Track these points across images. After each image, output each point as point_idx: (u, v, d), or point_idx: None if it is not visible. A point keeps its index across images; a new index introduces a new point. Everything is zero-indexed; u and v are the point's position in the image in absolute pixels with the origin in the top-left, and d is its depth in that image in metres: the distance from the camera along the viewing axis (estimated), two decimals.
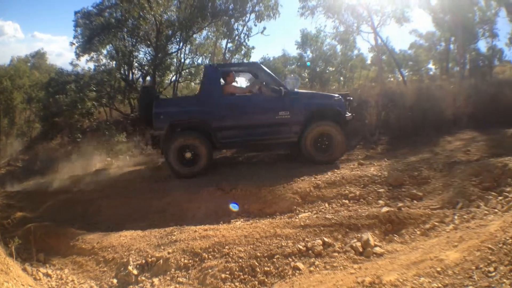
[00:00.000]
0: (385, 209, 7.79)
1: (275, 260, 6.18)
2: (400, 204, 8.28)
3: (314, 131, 11.83)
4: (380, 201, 8.77)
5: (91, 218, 10.15)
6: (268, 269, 6.01)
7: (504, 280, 4.16)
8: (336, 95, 12.56)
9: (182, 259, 6.68)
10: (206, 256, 6.61)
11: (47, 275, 7.11)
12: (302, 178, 10.28)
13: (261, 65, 13.12)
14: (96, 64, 23.66)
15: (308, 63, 37.34)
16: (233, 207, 9.19)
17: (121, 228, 8.66)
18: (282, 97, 11.61)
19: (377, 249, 6.31)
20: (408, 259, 5.49)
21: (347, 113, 12.36)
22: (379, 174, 10.07)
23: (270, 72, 12.54)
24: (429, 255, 5.28)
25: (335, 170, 10.98)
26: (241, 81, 19.94)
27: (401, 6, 28.58)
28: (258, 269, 6.02)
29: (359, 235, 6.71)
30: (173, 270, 6.52)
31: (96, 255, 7.58)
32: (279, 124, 11.74)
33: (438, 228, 6.98)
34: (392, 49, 39.29)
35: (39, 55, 45.56)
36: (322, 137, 12.01)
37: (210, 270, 6.16)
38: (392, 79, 40.77)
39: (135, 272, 6.60)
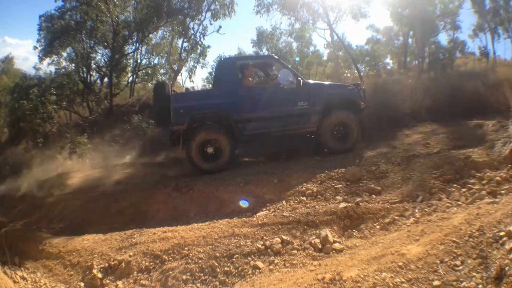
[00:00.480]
0: (342, 204, 7.74)
1: (234, 260, 6.12)
2: (358, 199, 8.21)
3: (331, 121, 11.85)
4: (338, 197, 8.66)
5: (56, 222, 10.01)
6: (228, 269, 5.95)
7: (474, 274, 4.10)
8: (350, 85, 12.90)
9: (143, 262, 6.58)
10: (166, 258, 6.57)
11: (23, 278, 7.00)
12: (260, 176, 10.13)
13: (277, 57, 13.32)
14: (57, 67, 23.60)
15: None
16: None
17: (84, 232, 8.54)
18: (300, 88, 11.59)
19: (337, 245, 6.26)
20: (369, 254, 5.44)
21: (361, 102, 12.46)
22: (336, 169, 9.92)
23: (287, 64, 12.85)
24: (390, 250, 5.23)
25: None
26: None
27: (358, 2, 29.04)
28: (218, 270, 5.96)
29: (317, 232, 6.69)
30: (135, 273, 6.43)
31: (63, 259, 7.43)
32: (298, 114, 11.70)
33: (399, 222, 6.94)
34: (349, 45, 39.77)
35: (8, 60, 45.12)
36: (339, 126, 12.03)
37: (171, 272, 6.10)
38: (348, 74, 41.06)
39: (99, 275, 6.51)
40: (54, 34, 21.13)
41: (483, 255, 4.32)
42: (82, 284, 6.50)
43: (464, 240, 4.66)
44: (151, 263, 6.51)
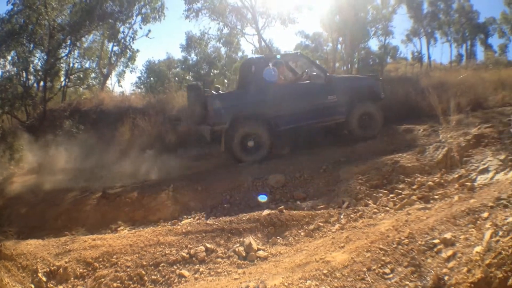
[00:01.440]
0: (266, 211, 7.69)
1: (160, 268, 6.15)
2: (282, 206, 8.11)
3: (358, 111, 12.56)
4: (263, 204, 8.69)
5: (7, 226, 9.66)
6: (155, 277, 5.98)
7: (407, 283, 4.08)
8: (372, 76, 14.22)
9: (78, 269, 6.48)
10: (97, 265, 6.48)
11: None
12: (181, 185, 10.11)
13: (305, 55, 14.25)
14: (2, 70, 22.90)
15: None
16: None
17: (28, 236, 8.41)
18: (328, 83, 12.30)
19: (261, 253, 6.33)
20: (293, 261, 5.41)
21: (381, 92, 13.29)
22: (261, 177, 9.94)
23: (314, 61, 14.16)
24: (315, 257, 5.19)
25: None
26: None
27: (288, 8, 29.45)
28: (146, 278, 5.99)
29: (241, 240, 6.73)
30: (72, 278, 6.34)
31: (15, 261, 7.16)
32: (328, 107, 12.33)
33: (324, 229, 6.95)
34: (277, 50, 39.92)
35: None
36: (364, 116, 12.71)
37: (102, 279, 6.06)
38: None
39: (44, 279, 6.41)
40: (1, 37, 20.73)
41: (415, 263, 4.29)
42: (32, 286, 6.42)
43: (392, 247, 4.63)
44: (85, 270, 6.43)
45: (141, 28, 26.59)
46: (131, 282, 5.91)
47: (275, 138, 12.16)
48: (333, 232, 6.61)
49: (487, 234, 4.21)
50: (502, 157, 8.40)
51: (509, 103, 16.27)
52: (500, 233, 4.10)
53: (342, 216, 7.26)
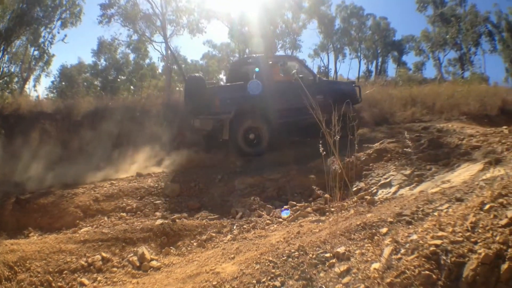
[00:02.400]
0: (159, 221, 7.72)
1: (64, 275, 6.04)
2: (176, 216, 8.18)
3: (339, 112, 12.35)
4: (157, 213, 8.64)
5: None
6: (61, 284, 5.87)
7: None
8: (353, 82, 16.12)
9: (5, 271, 6.19)
10: (17, 269, 6.25)
11: None
12: (82, 190, 9.96)
13: (299, 58, 15.67)
14: None
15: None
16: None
17: None
18: (317, 84, 13.69)
19: (154, 263, 6.31)
20: (184, 272, 5.35)
21: (359, 97, 14.66)
22: (156, 185, 10.05)
23: (306, 64, 15.45)
24: (205, 268, 5.12)
25: (113, 182, 10.76)
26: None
27: (198, 17, 29.96)
28: (53, 284, 5.87)
29: (135, 249, 6.71)
30: (3, 281, 6.07)
31: None
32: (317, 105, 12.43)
33: (216, 239, 6.96)
34: (184, 59, 39.86)
35: None
36: (343, 117, 12.46)
37: (22, 283, 5.89)
38: (181, 89, 41.27)
39: None
40: None
41: (306, 277, 4.22)
42: None
43: (282, 259, 4.59)
44: (10, 273, 6.17)
45: (58, 32, 27.39)
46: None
47: (273, 133, 13.22)
48: (225, 243, 6.62)
49: (387, 251, 4.22)
50: (408, 172, 8.66)
51: (418, 119, 16.92)
52: (403, 250, 4.12)
53: (235, 227, 7.29)
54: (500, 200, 4.91)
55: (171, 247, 6.89)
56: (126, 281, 5.77)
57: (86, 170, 12.14)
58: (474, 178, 7.21)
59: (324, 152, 5.45)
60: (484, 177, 6.84)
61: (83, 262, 6.21)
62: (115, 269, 6.16)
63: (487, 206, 4.73)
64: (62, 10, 25.92)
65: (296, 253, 4.64)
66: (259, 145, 12.83)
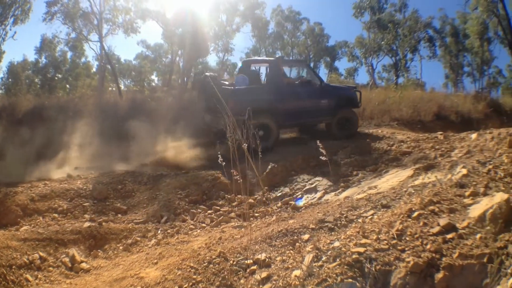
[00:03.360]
0: (87, 224, 7.61)
1: (13, 270, 5.95)
2: (103, 219, 8.14)
3: (339, 115, 14.44)
4: (86, 215, 8.51)
5: None
6: (13, 278, 5.79)
7: None
8: (354, 87, 16.87)
9: None
10: None
11: None
12: (20, 189, 9.68)
13: (307, 62, 16.95)
14: None
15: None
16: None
17: None
18: (323, 88, 14.35)
19: (84, 265, 6.32)
20: (111, 275, 5.35)
21: (359, 102, 15.23)
22: (85, 187, 9.78)
23: (313, 69, 16.99)
24: (130, 272, 5.10)
25: (47, 183, 10.47)
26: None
27: (134, 17, 29.93)
28: (7, 277, 5.76)
29: (67, 251, 6.66)
30: None
31: None
32: (321, 109, 14.25)
33: (141, 244, 6.94)
34: (118, 59, 39.47)
35: None
36: (344, 119, 14.58)
37: None
38: (114, 89, 40.90)
39: None
40: None
41: (227, 284, 4.17)
42: None
43: (203, 266, 4.55)
44: None
45: (10, 29, 26.92)
46: (0, 279, 5.71)
47: (280, 129, 14.05)
48: (149, 248, 6.62)
49: (308, 258, 4.14)
50: (333, 177, 8.65)
51: None
52: (324, 258, 4.06)
53: (159, 231, 7.28)
54: (431, 207, 4.89)
55: (99, 250, 6.87)
56: (61, 281, 5.79)
57: (24, 169, 11.98)
58: (403, 184, 7.24)
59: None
60: (413, 184, 6.86)
61: (25, 260, 6.16)
62: (51, 268, 6.14)
63: (415, 214, 4.70)
64: (16, 7, 25.93)
65: (217, 259, 4.60)
66: (268, 140, 13.14)
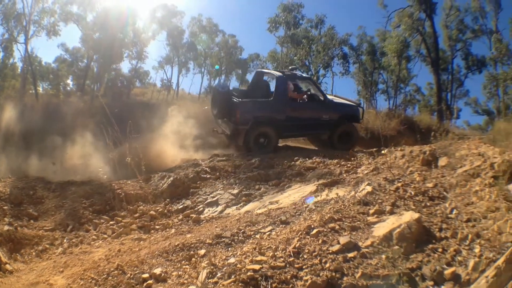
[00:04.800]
0: (6, 227, 7.42)
1: None
2: (18, 223, 7.82)
3: (340, 129, 14.88)
4: (6, 219, 8.15)
5: None
6: None
7: None
8: (357, 103, 16.91)
9: None
10: None
11: None
12: None
13: (313, 79, 20.08)
14: None
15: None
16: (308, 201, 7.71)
17: None
18: (326, 104, 14.82)
19: (8, 267, 6.14)
20: (28, 280, 5.33)
21: (361, 117, 15.75)
22: (3, 190, 9.39)
23: (318, 85, 18.00)
24: (42, 278, 5.12)
25: None
26: None
27: (58, 19, 29.57)
28: None
29: None
30: None
31: None
32: (322, 123, 14.76)
33: (49, 251, 6.78)
34: (40, 61, 38.68)
35: None
36: (344, 133, 15.00)
37: None
38: (33, 91, 40.20)
39: None
40: None
41: None
42: None
43: (103, 277, 4.52)
44: None
45: None
46: None
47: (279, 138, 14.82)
48: (56, 256, 6.48)
49: (203, 274, 4.11)
50: (235, 191, 8.62)
51: None
52: (219, 274, 4.04)
53: (65, 240, 7.14)
54: (332, 224, 4.90)
55: (17, 254, 6.73)
56: None
57: None
58: (305, 200, 7.20)
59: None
60: (315, 200, 6.83)
61: None
62: None
63: (314, 231, 4.71)
64: None
65: (116, 271, 4.57)
66: (267, 147, 13.91)
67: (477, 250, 4.55)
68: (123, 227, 7.39)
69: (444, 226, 5.23)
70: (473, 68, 38.70)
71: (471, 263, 4.31)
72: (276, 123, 14.35)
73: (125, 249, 5.58)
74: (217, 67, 40.91)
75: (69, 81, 43.39)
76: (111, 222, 7.69)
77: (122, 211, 8.18)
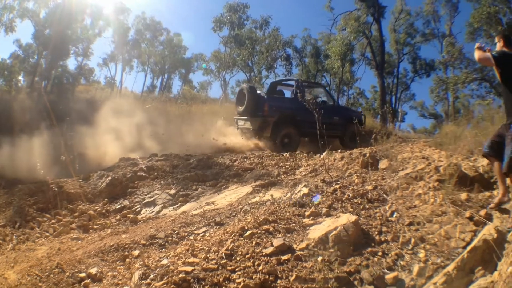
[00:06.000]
0: None
1: None
2: None
3: (350, 130, 16.54)
4: None
5: None
6: None
7: None
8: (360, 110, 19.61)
9: None
10: None
11: None
12: None
13: (324, 85, 21.95)
14: None
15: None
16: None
17: None
18: (335, 108, 17.05)
19: None
20: None
21: (363, 121, 17.86)
22: None
23: (329, 91, 20.65)
24: None
25: None
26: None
27: (16, 15, 29.19)
28: None
29: None
30: None
31: None
32: (334, 124, 16.32)
33: (2, 246, 6.63)
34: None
35: None
36: (352, 134, 16.18)
37: None
38: None
39: None
40: None
41: None
42: None
43: (46, 275, 4.47)
44: None
45: None
46: None
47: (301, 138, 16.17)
48: (8, 251, 6.34)
49: (136, 275, 4.12)
50: (173, 191, 8.63)
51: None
52: (152, 276, 4.04)
53: (14, 237, 6.97)
54: (266, 226, 4.91)
55: None
56: None
57: None
58: (240, 201, 7.27)
59: None
60: (251, 201, 6.85)
61: None
62: None
63: (248, 233, 4.72)
64: None
65: (56, 270, 4.55)
66: (291, 146, 15.08)
67: (421, 255, 4.57)
68: (63, 226, 7.32)
69: (384, 229, 5.22)
70: (421, 72, 39.38)
71: (415, 268, 4.34)
72: (295, 121, 15.72)
73: (64, 248, 5.57)
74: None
75: (20, 78, 42.91)
76: (53, 221, 7.62)
77: (63, 210, 8.09)
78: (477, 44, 5.70)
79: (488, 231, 4.66)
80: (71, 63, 40.16)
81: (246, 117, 15.92)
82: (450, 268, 4.19)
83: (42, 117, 16.49)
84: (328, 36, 38.90)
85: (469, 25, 28.19)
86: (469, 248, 4.46)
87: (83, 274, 4.42)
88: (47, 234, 7.05)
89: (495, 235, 4.54)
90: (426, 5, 38.05)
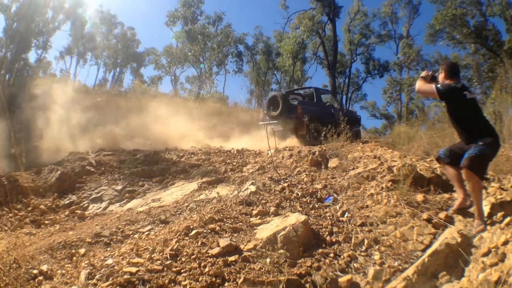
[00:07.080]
0: None
1: None
2: None
3: (352, 127, 16.22)
4: None
5: None
6: None
7: None
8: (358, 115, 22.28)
9: None
10: None
11: None
12: None
13: (332, 92, 28.86)
14: None
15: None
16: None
17: None
18: (340, 110, 17.72)
19: None
20: None
21: (360, 122, 21.36)
22: None
23: (336, 97, 26.81)
24: None
25: None
26: None
27: None
28: None
29: None
30: None
31: None
32: (341, 122, 15.97)
33: None
34: None
35: None
36: (356, 131, 18.32)
37: None
38: None
39: None
40: None
41: None
42: None
43: (7, 269, 4.33)
44: None
45: None
46: None
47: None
48: None
49: (83, 275, 4.06)
50: (119, 187, 8.61)
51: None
52: (98, 276, 3.99)
53: None
54: (212, 225, 4.89)
55: None
56: None
57: None
58: (186, 199, 7.24)
59: None
60: (197, 198, 6.85)
61: None
62: None
63: (193, 232, 4.68)
64: None
65: (14, 265, 4.43)
66: (318, 139, 15.99)
67: (377, 257, 4.56)
68: (18, 220, 7.28)
69: (335, 229, 5.22)
70: (374, 72, 39.93)
71: (371, 271, 4.30)
72: (318, 119, 17.49)
73: (20, 242, 5.38)
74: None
75: None
76: (10, 215, 7.49)
77: (18, 204, 8.02)
78: (423, 73, 5.73)
79: (450, 235, 4.69)
80: (32, 56, 39.49)
81: (280, 120, 17.48)
82: (409, 272, 4.18)
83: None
84: (281, 34, 39.38)
85: (430, 27, 28.73)
86: (429, 251, 4.46)
87: (35, 271, 4.37)
88: (6, 228, 6.93)
89: (459, 239, 4.57)
90: (384, 6, 38.74)
